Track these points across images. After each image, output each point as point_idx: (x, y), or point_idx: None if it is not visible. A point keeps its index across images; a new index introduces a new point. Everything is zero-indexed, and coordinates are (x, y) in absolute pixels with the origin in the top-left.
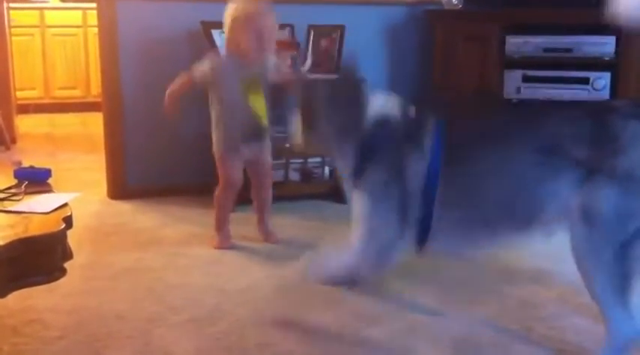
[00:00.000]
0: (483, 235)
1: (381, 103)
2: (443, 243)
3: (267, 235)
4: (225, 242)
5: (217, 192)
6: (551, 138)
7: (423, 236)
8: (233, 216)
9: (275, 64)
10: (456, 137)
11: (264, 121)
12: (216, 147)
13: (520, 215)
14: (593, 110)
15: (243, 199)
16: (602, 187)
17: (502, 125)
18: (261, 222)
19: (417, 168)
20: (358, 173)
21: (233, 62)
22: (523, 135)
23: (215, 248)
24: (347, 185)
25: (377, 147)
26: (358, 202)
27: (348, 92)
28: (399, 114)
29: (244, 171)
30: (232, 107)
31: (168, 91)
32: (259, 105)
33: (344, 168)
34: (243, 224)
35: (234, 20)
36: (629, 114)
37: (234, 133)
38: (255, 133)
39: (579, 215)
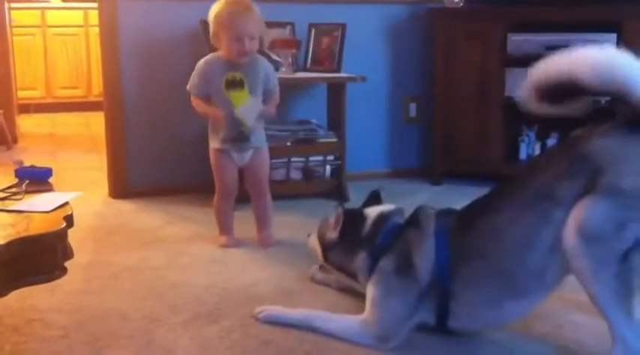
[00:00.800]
0: (516, 307)
1: (377, 209)
2: (467, 322)
3: (260, 240)
4: (230, 241)
5: (215, 199)
6: (541, 190)
7: (442, 317)
8: (235, 214)
9: (274, 70)
10: (459, 216)
11: (246, 124)
12: (210, 151)
13: (547, 273)
14: (565, 148)
15: (243, 198)
16: (594, 204)
17: (498, 194)
18: (258, 228)
19: (423, 249)
20: (370, 270)
21: (218, 61)
22: (518, 197)
23: (221, 246)
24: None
25: (385, 243)
26: (370, 290)
27: (352, 226)
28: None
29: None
30: (218, 107)
31: (196, 110)
32: (242, 105)
33: (363, 275)
34: (244, 222)
35: (215, 21)
36: (595, 136)
37: (222, 135)
38: (239, 136)
39: (577, 235)
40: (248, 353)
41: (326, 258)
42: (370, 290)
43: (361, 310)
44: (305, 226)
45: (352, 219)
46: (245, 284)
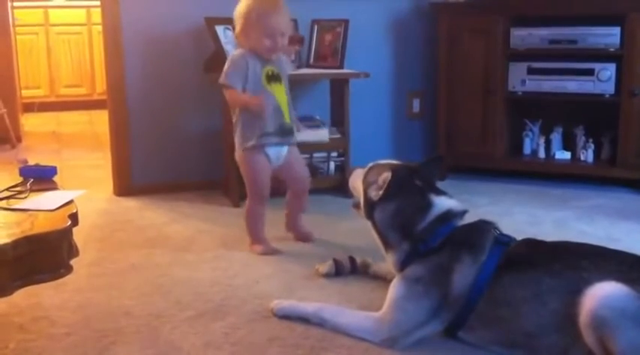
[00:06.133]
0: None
1: (447, 204)
2: (474, 342)
3: (302, 235)
4: (268, 248)
5: (247, 205)
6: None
7: (455, 327)
8: (239, 210)
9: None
10: (511, 254)
11: (288, 118)
12: (238, 152)
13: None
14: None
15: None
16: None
17: (554, 249)
18: (295, 225)
19: (466, 274)
20: (405, 263)
21: (250, 56)
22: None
23: (260, 254)
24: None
25: (433, 244)
26: (394, 288)
27: (408, 190)
28: (460, 218)
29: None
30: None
31: (233, 104)
32: (282, 98)
33: (396, 264)
34: (239, 216)
35: (246, 18)
36: None
37: (258, 131)
38: (280, 130)
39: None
40: (253, 349)
41: (368, 214)
42: (393, 290)
43: (366, 307)
44: (308, 222)
45: (400, 185)
46: (250, 280)
